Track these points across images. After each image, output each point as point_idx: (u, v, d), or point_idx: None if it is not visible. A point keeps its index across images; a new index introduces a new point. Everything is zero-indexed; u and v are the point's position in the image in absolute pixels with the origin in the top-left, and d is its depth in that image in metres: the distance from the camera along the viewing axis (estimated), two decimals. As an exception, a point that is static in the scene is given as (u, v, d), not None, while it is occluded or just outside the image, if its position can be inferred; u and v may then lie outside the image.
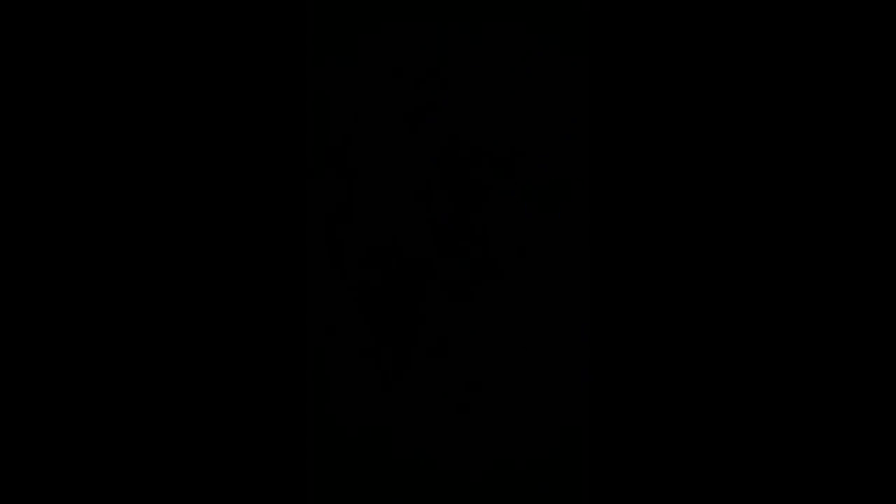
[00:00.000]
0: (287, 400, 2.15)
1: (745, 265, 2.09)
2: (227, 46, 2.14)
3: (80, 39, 2.12)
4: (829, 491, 2.03)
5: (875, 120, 2.05)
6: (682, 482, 2.08)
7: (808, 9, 2.07)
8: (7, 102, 2.10)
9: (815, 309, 2.06)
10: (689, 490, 2.08)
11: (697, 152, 2.12)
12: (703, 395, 2.09)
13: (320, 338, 2.44)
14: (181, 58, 2.12)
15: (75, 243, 2.10)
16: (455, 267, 2.61)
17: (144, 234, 2.09)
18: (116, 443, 2.10)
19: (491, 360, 2.52)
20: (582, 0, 2.30)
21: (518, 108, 2.74)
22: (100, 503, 2.09)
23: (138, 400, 2.10)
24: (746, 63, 2.11)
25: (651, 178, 2.14)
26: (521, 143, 2.73)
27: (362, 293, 2.57)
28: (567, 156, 2.54)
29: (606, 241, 2.17)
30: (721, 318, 2.08)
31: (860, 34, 2.05)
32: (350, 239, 2.66)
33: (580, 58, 2.38)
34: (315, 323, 2.38)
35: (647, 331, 2.12)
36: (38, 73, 2.10)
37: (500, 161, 2.79)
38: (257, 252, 2.16)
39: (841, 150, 2.05)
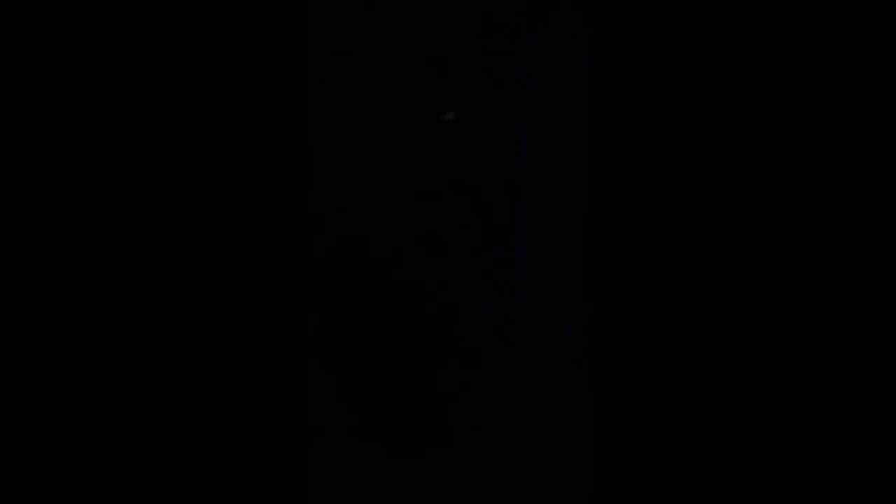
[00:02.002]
0: (287, 403, 2.17)
1: (741, 266, 2.11)
2: (227, 45, 2.14)
3: (79, 38, 2.11)
4: (829, 490, 2.05)
5: (874, 122, 2.05)
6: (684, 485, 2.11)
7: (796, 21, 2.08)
8: (7, 103, 2.07)
9: (811, 309, 2.07)
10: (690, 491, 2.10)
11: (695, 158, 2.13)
12: (703, 399, 2.12)
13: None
14: (179, 56, 2.12)
15: (72, 244, 2.11)
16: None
17: (141, 235, 2.10)
18: (116, 443, 2.12)
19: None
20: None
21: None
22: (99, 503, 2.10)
23: (136, 402, 2.11)
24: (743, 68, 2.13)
25: (647, 181, 2.16)
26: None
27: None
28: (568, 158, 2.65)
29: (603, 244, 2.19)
30: (717, 319, 2.11)
31: (857, 39, 2.06)
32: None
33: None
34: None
35: (645, 333, 2.13)
36: (38, 74, 2.09)
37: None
38: (257, 254, 2.17)
39: (833, 155, 2.07)
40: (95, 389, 2.08)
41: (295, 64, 2.20)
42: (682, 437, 2.11)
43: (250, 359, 2.13)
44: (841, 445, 2.06)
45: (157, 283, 2.10)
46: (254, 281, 2.15)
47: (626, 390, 2.15)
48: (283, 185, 2.17)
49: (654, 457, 2.12)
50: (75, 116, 2.11)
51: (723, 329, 2.11)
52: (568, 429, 2.39)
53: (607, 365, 2.16)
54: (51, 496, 2.07)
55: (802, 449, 2.07)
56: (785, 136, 2.12)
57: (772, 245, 2.11)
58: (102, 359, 2.09)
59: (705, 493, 2.09)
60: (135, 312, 2.10)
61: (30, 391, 2.07)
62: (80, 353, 2.08)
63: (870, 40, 2.08)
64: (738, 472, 2.08)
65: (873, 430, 2.04)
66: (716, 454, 2.09)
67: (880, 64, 2.07)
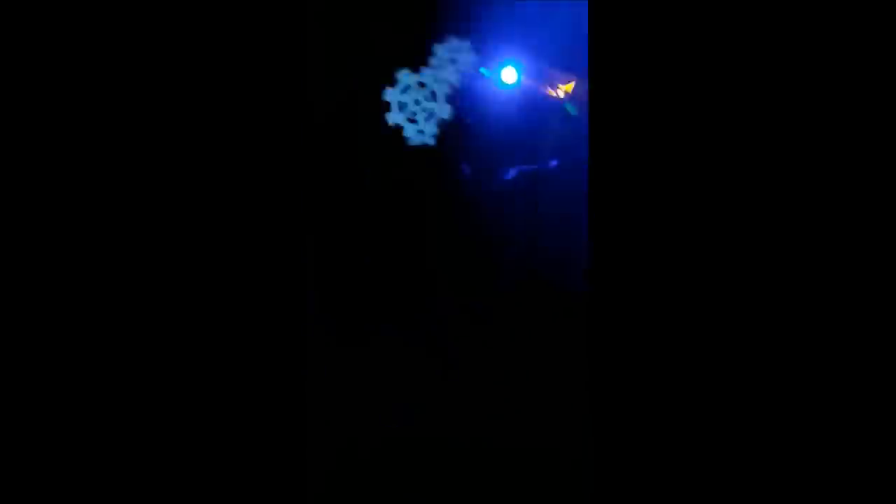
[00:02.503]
0: (286, 401, 2.20)
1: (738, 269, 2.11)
2: (227, 45, 2.17)
3: (79, 37, 2.11)
4: (829, 491, 2.02)
5: (873, 121, 2.04)
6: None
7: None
8: (7, 103, 2.08)
9: (810, 309, 2.07)
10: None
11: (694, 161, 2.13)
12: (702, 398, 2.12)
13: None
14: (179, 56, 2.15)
15: (72, 245, 2.11)
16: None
17: (142, 235, 2.13)
18: (116, 443, 2.11)
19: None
20: None
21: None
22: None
23: (135, 401, 2.12)
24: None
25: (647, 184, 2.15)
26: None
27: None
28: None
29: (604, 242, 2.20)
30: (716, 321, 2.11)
31: (854, 40, 2.04)
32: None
33: None
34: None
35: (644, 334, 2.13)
36: (40, 74, 2.09)
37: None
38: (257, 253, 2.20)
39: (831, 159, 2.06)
40: (96, 384, 2.08)
41: (297, 62, 2.20)
42: (681, 437, 2.10)
43: (250, 356, 2.14)
44: (840, 446, 2.04)
45: (155, 280, 2.11)
46: (253, 278, 2.15)
47: (625, 390, 2.13)
48: (283, 180, 2.18)
49: (654, 457, 2.11)
50: (76, 115, 2.10)
51: (722, 329, 2.09)
52: (568, 429, 2.43)
53: (607, 365, 2.14)
54: (50, 496, 2.06)
55: (801, 449, 2.06)
56: (782, 136, 2.09)
57: (771, 246, 2.09)
58: (102, 355, 2.08)
59: (705, 494, 2.09)
60: (133, 310, 2.09)
61: (29, 391, 2.05)
62: (80, 343, 2.08)
63: (867, 39, 2.06)
64: (738, 473, 2.07)
65: (873, 431, 2.02)
66: (715, 454, 2.08)
67: (878, 64, 2.06)
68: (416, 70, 2.92)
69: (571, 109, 2.97)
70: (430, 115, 2.94)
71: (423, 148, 2.89)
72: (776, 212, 2.07)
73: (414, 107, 2.92)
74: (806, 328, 2.05)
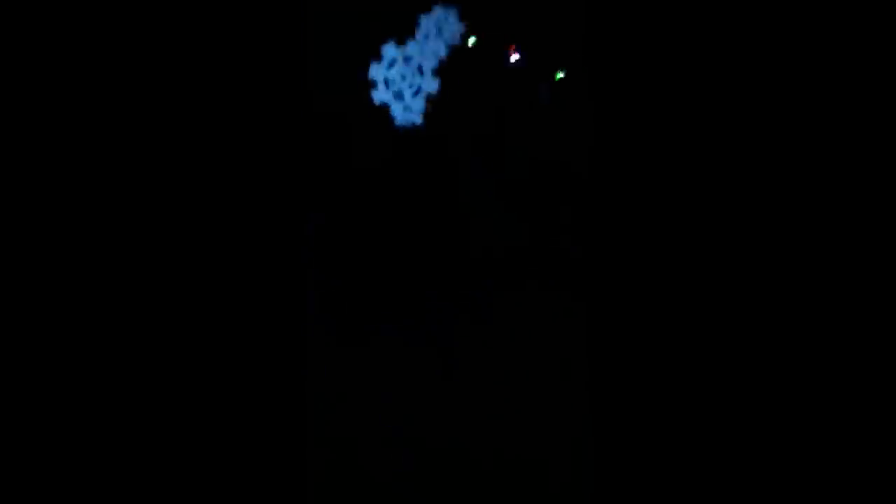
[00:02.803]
0: (287, 399, 2.18)
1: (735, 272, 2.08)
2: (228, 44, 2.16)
3: (79, 35, 2.09)
4: (828, 491, 2.00)
5: (869, 129, 2.03)
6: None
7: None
8: (8, 103, 2.05)
9: (809, 309, 2.05)
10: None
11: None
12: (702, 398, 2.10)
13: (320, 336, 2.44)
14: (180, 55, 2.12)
15: (73, 244, 2.09)
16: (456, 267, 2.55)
17: (141, 234, 2.08)
18: (117, 442, 2.08)
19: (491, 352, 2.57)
20: None
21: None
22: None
23: (135, 401, 2.09)
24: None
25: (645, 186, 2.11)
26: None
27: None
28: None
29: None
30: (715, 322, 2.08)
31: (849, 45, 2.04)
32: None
33: None
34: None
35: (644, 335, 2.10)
36: (41, 75, 2.06)
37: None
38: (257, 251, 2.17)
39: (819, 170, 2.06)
40: (96, 384, 2.05)
41: (298, 61, 2.20)
42: (682, 438, 2.08)
43: (250, 356, 2.11)
44: (839, 446, 2.03)
45: (154, 280, 2.08)
46: (253, 278, 2.12)
47: (626, 391, 2.11)
48: (283, 179, 2.15)
49: (654, 458, 2.09)
50: (78, 114, 2.07)
51: (723, 329, 2.06)
52: (568, 429, 2.42)
53: (607, 365, 2.13)
54: (51, 496, 2.05)
55: (803, 452, 2.05)
56: (779, 136, 2.07)
57: (772, 244, 2.07)
58: (102, 355, 2.06)
59: (705, 494, 2.08)
60: (133, 309, 2.06)
61: (29, 392, 2.03)
62: (81, 343, 2.05)
63: (865, 45, 2.05)
64: (738, 475, 2.06)
65: (872, 432, 2.02)
66: (716, 456, 2.07)
67: (877, 68, 2.04)
68: (401, 43, 2.75)
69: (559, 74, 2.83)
70: (418, 90, 2.77)
71: (412, 128, 2.73)
72: (778, 209, 2.05)
73: (400, 83, 2.75)
74: (805, 326, 2.04)
